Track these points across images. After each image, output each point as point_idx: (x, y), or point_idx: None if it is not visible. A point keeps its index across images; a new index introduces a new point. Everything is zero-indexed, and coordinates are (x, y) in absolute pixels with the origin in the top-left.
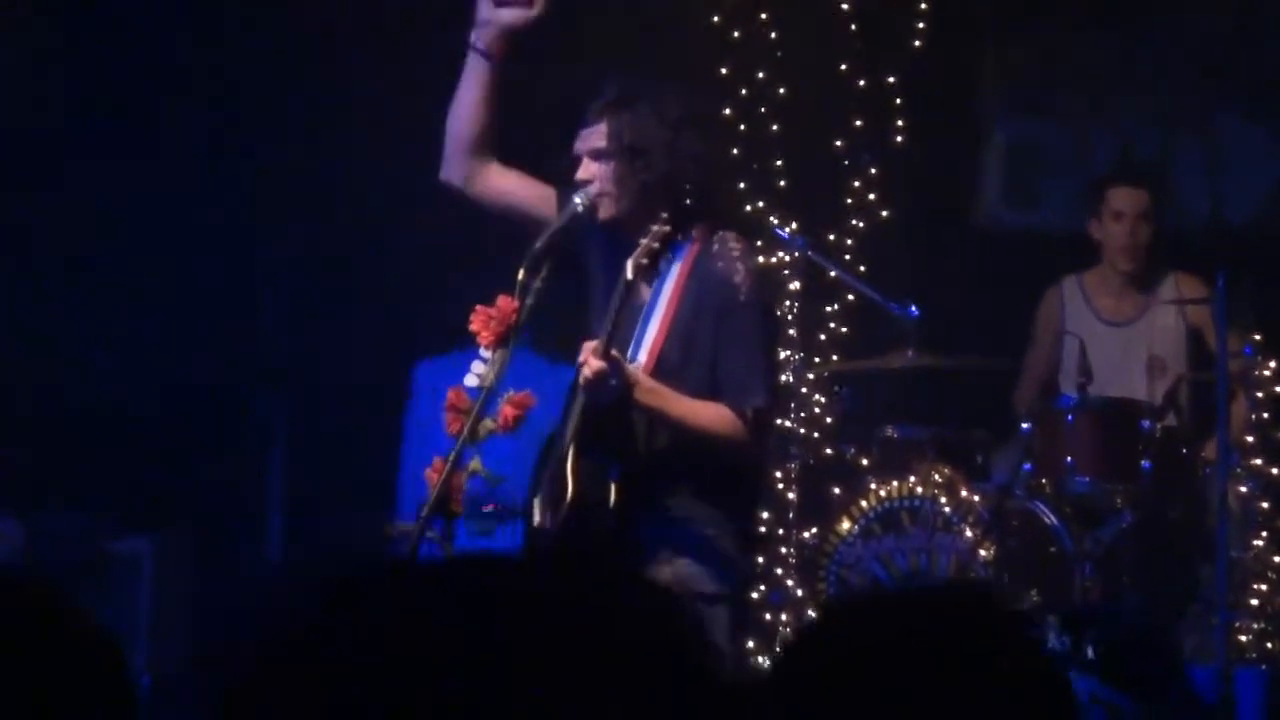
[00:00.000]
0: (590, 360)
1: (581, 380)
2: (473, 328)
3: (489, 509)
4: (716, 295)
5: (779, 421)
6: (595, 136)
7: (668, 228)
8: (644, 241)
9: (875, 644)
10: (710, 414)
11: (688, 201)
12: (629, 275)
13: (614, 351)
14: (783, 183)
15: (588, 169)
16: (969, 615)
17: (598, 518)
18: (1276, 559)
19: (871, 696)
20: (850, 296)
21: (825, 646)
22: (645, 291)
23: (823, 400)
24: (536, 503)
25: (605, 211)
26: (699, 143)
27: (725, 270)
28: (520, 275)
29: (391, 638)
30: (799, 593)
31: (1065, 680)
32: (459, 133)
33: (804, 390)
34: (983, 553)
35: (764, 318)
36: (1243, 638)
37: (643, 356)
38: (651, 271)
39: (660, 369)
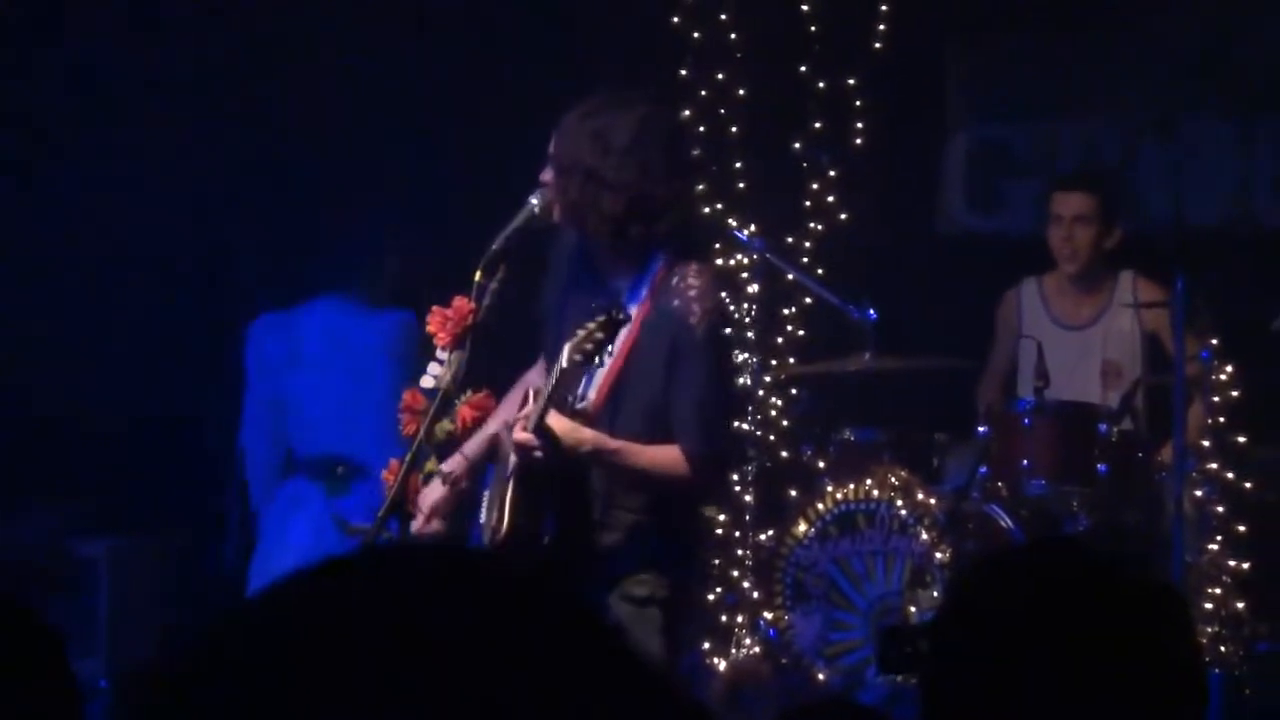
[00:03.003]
0: (518, 434)
1: (513, 445)
2: (429, 329)
3: (340, 469)
4: (668, 336)
5: (735, 424)
6: (552, 141)
7: (608, 316)
8: (583, 331)
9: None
10: (662, 458)
11: (629, 226)
12: (564, 364)
13: (549, 421)
14: (742, 185)
15: (546, 171)
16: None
17: (531, 553)
18: (1231, 563)
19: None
20: (808, 299)
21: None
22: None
23: (779, 403)
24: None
25: (557, 215)
26: (641, 175)
27: (680, 309)
28: (477, 276)
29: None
30: (755, 595)
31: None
32: None
33: (761, 393)
34: (939, 555)
35: (718, 358)
36: None
37: (592, 394)
38: (588, 365)
39: (609, 407)
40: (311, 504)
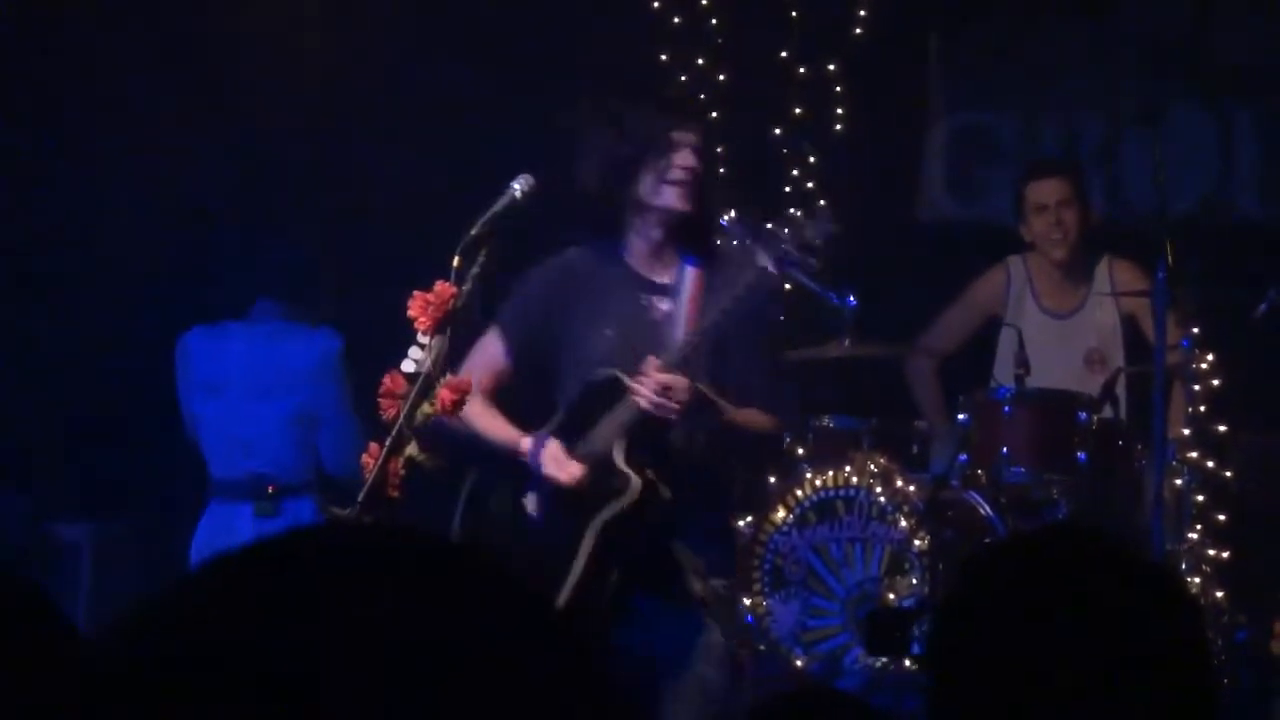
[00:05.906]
0: (664, 376)
1: (654, 403)
2: (410, 313)
3: (272, 489)
4: (731, 299)
5: None
6: (693, 150)
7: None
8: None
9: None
10: (760, 419)
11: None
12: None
13: (701, 387)
14: (722, 170)
15: (685, 159)
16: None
17: (652, 513)
18: (1211, 552)
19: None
20: (788, 286)
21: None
22: (661, 301)
23: None
24: (531, 499)
25: (691, 203)
26: None
27: (737, 278)
28: (455, 262)
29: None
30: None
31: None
32: None
33: None
34: (917, 543)
35: (775, 325)
36: None
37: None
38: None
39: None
40: (241, 525)
